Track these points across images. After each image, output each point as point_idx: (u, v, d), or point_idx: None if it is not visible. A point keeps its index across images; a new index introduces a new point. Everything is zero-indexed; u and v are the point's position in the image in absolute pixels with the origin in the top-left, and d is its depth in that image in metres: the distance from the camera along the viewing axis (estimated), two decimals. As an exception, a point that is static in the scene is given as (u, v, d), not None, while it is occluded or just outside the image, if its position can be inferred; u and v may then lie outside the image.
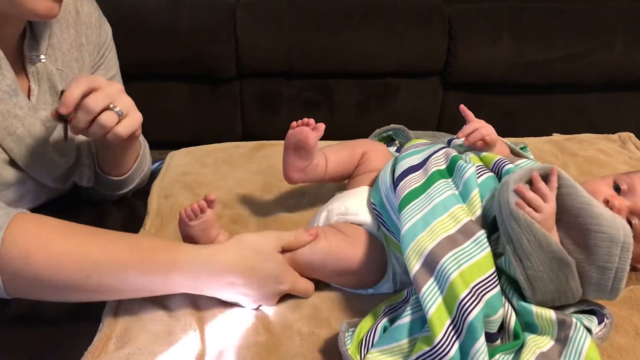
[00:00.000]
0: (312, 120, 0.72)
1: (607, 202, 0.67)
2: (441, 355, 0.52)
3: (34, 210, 0.75)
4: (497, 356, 0.56)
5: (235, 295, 0.63)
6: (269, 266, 0.63)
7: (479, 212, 0.61)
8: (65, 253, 0.57)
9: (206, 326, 0.62)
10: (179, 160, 1.00)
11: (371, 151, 0.78)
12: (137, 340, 0.59)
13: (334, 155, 0.76)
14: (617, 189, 0.69)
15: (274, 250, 0.64)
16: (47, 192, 0.76)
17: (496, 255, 0.60)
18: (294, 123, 0.73)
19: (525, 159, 0.71)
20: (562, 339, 0.56)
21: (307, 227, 0.77)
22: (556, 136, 1.11)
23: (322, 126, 0.72)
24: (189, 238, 0.67)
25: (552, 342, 0.56)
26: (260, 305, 0.65)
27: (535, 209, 0.57)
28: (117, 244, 0.59)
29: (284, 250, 0.66)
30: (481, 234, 0.59)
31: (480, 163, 0.67)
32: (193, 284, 0.61)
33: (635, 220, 0.66)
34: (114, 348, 0.58)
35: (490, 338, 0.56)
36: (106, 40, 0.85)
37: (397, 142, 0.88)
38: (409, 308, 0.57)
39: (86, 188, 0.82)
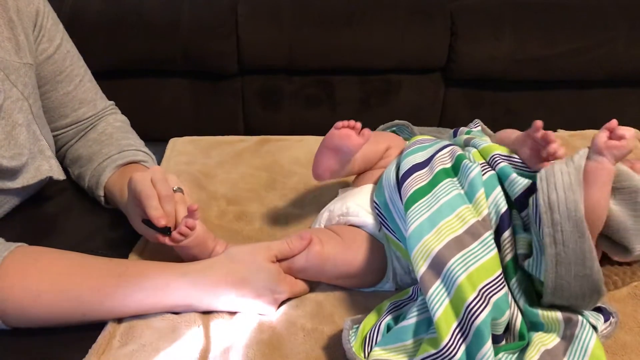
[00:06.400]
0: (359, 124, 0.68)
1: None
2: (447, 358, 0.51)
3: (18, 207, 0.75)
4: (500, 355, 0.55)
5: (233, 306, 0.63)
6: (261, 277, 0.62)
7: (485, 212, 0.60)
8: (56, 302, 0.58)
9: (210, 323, 0.62)
10: (182, 148, 1.00)
11: (393, 147, 0.76)
12: (141, 337, 0.59)
13: (361, 153, 0.73)
14: None
15: (265, 260, 0.63)
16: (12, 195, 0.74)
17: (511, 256, 0.60)
18: (339, 123, 0.68)
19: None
20: (568, 337, 0.56)
21: (309, 227, 0.76)
22: (560, 132, 1.10)
23: (368, 133, 0.67)
24: (188, 256, 0.66)
25: (557, 340, 0.56)
26: (261, 314, 0.64)
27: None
28: (104, 279, 0.59)
29: (279, 259, 0.65)
30: (488, 235, 0.58)
31: (483, 160, 0.66)
32: (188, 302, 0.61)
33: None
34: (118, 345, 0.58)
35: (495, 339, 0.56)
36: (39, 7, 0.75)
37: (401, 138, 0.88)
38: (415, 309, 0.57)
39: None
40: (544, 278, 0.56)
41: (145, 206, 0.62)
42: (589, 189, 0.56)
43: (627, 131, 0.57)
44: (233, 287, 0.61)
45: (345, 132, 0.67)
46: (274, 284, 0.63)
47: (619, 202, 0.59)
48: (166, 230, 0.64)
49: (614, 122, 0.59)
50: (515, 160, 0.65)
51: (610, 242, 0.61)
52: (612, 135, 0.58)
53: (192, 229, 0.63)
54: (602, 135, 0.58)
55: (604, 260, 0.69)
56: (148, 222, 0.64)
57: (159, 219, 0.62)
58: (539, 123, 0.63)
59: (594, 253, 0.54)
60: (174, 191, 0.66)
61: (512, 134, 0.72)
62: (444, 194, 0.62)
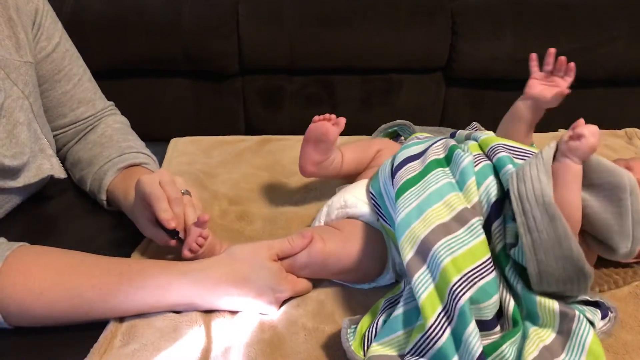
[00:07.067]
0: (333, 115, 0.74)
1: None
2: (434, 340, 0.52)
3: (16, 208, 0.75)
4: (504, 346, 0.55)
5: (235, 305, 0.63)
6: (263, 275, 0.62)
7: (475, 200, 0.61)
8: (58, 300, 0.58)
9: (212, 322, 0.62)
10: (184, 148, 1.00)
11: (386, 149, 0.78)
12: (143, 336, 0.59)
13: (349, 152, 0.78)
14: None
15: (266, 259, 0.63)
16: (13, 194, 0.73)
17: (502, 244, 0.60)
18: (316, 117, 0.74)
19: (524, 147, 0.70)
20: (565, 332, 0.56)
21: (310, 224, 0.77)
22: (561, 132, 1.10)
23: (342, 121, 0.74)
24: (194, 259, 0.67)
25: (554, 335, 0.56)
26: (263, 313, 0.64)
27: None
28: (106, 277, 0.59)
29: (281, 258, 0.65)
30: (475, 221, 0.59)
31: (479, 152, 0.67)
32: (190, 301, 0.61)
33: None
34: (119, 344, 0.58)
35: (488, 325, 0.56)
36: (38, 5, 0.75)
37: (402, 137, 0.88)
38: (403, 298, 0.58)
39: None
40: (527, 266, 0.57)
41: (155, 208, 0.63)
42: (557, 189, 0.57)
43: (587, 129, 0.57)
44: (234, 285, 0.61)
45: (321, 124, 0.74)
46: (276, 283, 0.63)
47: (602, 199, 0.58)
48: (174, 233, 0.64)
49: (579, 121, 0.59)
50: (518, 149, 0.66)
51: (598, 241, 0.61)
52: (573, 135, 0.58)
53: (206, 238, 0.64)
54: (565, 135, 0.59)
55: (604, 259, 0.69)
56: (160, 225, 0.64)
57: (169, 221, 0.62)
58: (552, 50, 0.72)
59: (568, 234, 0.55)
60: (182, 194, 0.66)
61: (512, 108, 0.79)
62: (433, 182, 0.63)
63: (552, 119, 1.20)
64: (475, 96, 1.50)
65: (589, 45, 1.40)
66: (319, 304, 0.65)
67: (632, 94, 1.50)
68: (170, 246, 0.67)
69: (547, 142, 1.02)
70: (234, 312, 0.63)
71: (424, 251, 0.56)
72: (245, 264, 0.62)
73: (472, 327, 0.52)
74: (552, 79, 0.78)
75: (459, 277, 0.53)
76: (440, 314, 0.53)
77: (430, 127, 0.91)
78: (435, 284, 0.54)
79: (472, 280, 0.54)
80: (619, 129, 1.10)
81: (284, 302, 0.65)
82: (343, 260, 0.66)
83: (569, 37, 1.40)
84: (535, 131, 1.07)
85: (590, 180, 0.59)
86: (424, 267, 0.55)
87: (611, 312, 0.60)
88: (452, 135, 0.82)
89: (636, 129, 1.09)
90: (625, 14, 1.41)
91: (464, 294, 0.53)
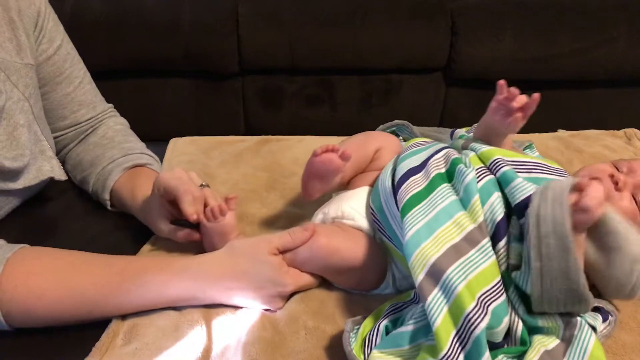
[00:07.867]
0: (337, 147, 0.68)
1: (612, 177, 0.69)
2: None
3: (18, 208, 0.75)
4: (500, 357, 0.55)
5: (237, 299, 0.63)
6: (263, 269, 0.62)
7: (480, 218, 0.59)
8: (60, 300, 0.58)
9: (213, 322, 0.62)
10: (184, 148, 1.00)
11: (384, 148, 0.75)
12: (144, 335, 0.59)
13: (350, 162, 0.72)
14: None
15: (266, 253, 0.63)
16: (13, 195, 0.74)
17: (506, 265, 0.59)
18: (318, 150, 0.67)
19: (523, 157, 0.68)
20: (567, 338, 0.56)
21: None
22: (561, 132, 1.11)
23: (348, 153, 0.67)
24: (206, 238, 0.67)
25: (557, 341, 0.56)
26: (267, 309, 0.64)
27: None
28: (107, 275, 0.60)
29: (282, 252, 0.65)
30: (486, 242, 0.57)
31: (481, 164, 0.65)
32: (192, 295, 0.62)
33: None
34: (121, 343, 0.58)
35: (495, 345, 0.55)
36: (40, 8, 0.76)
37: (401, 137, 0.88)
38: (415, 316, 0.56)
39: None
40: (530, 290, 0.55)
41: (181, 201, 0.65)
42: None
43: (594, 200, 0.52)
44: (234, 280, 0.62)
45: (327, 157, 0.67)
46: (276, 276, 0.63)
47: (613, 261, 0.57)
48: (196, 226, 0.67)
49: (586, 183, 0.54)
50: (520, 162, 0.64)
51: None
52: (579, 206, 0.53)
53: (222, 213, 0.66)
54: (572, 196, 0.54)
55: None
56: (177, 222, 0.67)
57: (193, 214, 0.65)
58: (502, 82, 0.68)
59: (579, 267, 0.53)
60: (202, 186, 0.69)
61: (480, 121, 0.73)
62: (440, 200, 0.61)
63: (552, 119, 1.20)
64: (475, 96, 1.50)
65: (588, 46, 1.40)
66: (320, 303, 0.65)
67: (632, 94, 1.50)
68: (184, 243, 0.68)
69: (547, 142, 1.03)
70: (235, 311, 0.64)
71: (435, 274, 0.54)
72: (245, 258, 0.63)
73: (487, 355, 0.51)
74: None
75: (474, 304, 0.52)
76: (453, 339, 0.52)
77: (429, 128, 0.91)
78: (449, 307, 0.53)
79: (485, 305, 0.53)
80: (619, 129, 1.11)
81: (290, 297, 0.65)
82: (346, 260, 0.65)
83: (569, 37, 1.40)
84: (535, 131, 1.07)
85: (606, 243, 0.57)
86: (437, 290, 0.54)
87: (611, 315, 0.60)
88: (451, 134, 0.81)
89: (636, 130, 1.09)
90: (625, 14, 1.41)
91: (480, 322, 0.51)
